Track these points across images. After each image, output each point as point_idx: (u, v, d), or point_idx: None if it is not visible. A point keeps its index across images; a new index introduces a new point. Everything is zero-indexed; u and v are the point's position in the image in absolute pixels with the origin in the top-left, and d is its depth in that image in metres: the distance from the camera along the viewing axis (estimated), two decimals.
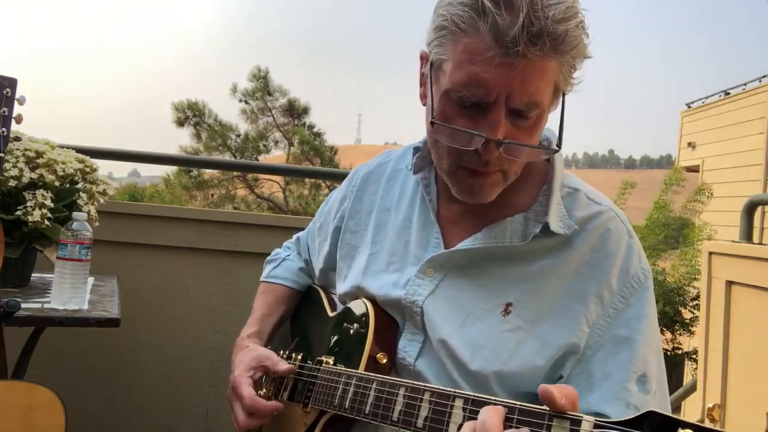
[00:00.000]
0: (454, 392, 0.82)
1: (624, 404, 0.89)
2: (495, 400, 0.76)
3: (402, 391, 0.89)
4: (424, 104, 0.98)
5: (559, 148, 0.94)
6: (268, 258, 1.40)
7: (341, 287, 1.15)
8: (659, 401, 0.93)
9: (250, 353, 1.16)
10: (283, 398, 1.14)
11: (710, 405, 0.63)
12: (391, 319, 1.04)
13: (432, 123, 0.91)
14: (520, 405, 0.73)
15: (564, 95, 0.92)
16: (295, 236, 1.44)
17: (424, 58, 0.96)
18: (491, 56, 0.82)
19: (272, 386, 1.18)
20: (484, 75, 0.84)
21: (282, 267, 1.35)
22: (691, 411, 4.09)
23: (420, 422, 0.84)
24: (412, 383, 0.88)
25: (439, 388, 0.84)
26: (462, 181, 0.95)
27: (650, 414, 0.63)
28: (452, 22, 0.85)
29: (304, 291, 1.34)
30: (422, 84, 0.99)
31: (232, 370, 1.17)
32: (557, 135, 0.95)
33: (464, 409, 0.79)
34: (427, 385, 0.86)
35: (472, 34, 0.84)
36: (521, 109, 0.87)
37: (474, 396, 0.79)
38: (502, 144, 0.88)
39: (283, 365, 1.13)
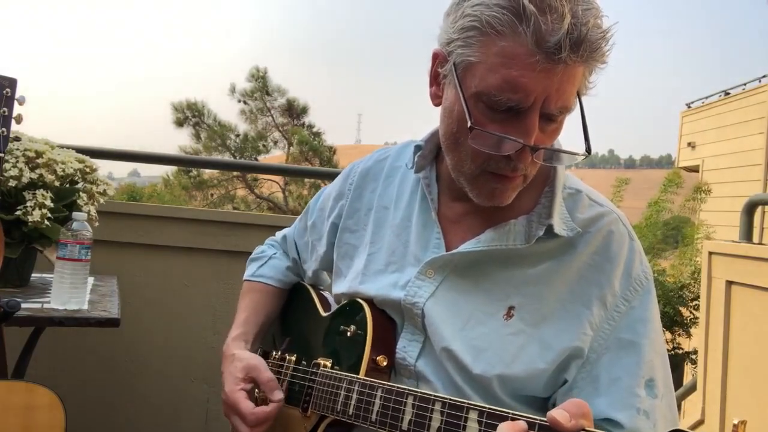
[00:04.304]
0: (468, 404, 0.80)
1: (634, 410, 0.88)
2: (512, 413, 0.75)
3: (410, 400, 0.87)
4: (436, 104, 0.97)
5: (589, 153, 0.92)
6: (252, 256, 1.36)
7: (339, 287, 1.13)
8: (667, 404, 0.92)
9: (238, 364, 1.12)
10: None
11: (735, 421, 0.62)
12: (389, 319, 1.03)
13: (471, 128, 0.87)
14: (540, 420, 0.71)
15: (581, 99, 0.91)
16: (280, 233, 1.39)
17: (439, 57, 0.93)
18: (534, 61, 0.81)
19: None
20: (522, 79, 0.83)
21: (268, 266, 1.31)
22: (691, 411, 4.09)
23: None
24: (421, 392, 0.87)
25: (450, 399, 0.82)
26: (485, 185, 0.93)
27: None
28: (486, 23, 0.83)
29: (291, 288, 1.31)
30: (434, 84, 0.97)
31: (222, 382, 1.13)
32: (584, 139, 0.93)
33: (480, 422, 0.77)
34: (436, 394, 0.85)
35: (509, 37, 0.82)
36: (553, 113, 0.86)
37: (489, 408, 0.77)
38: (537, 149, 0.87)
39: (272, 389, 1.08)
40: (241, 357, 1.14)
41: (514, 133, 0.86)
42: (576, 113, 0.92)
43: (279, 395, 1.08)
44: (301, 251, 1.31)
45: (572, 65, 0.82)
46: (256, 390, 1.13)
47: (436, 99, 0.97)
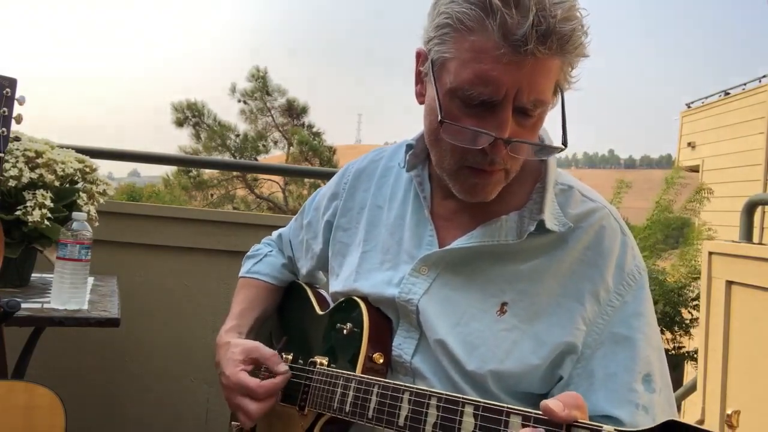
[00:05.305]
0: (463, 398, 0.81)
1: (633, 406, 0.89)
2: (507, 407, 0.76)
3: (407, 396, 0.87)
4: (421, 102, 0.98)
5: (565, 146, 0.93)
6: (248, 254, 1.36)
7: (334, 286, 1.14)
8: (665, 398, 0.93)
9: (235, 347, 1.12)
10: (276, 400, 1.12)
11: (729, 411, 0.63)
12: (385, 317, 1.03)
13: (441, 122, 0.89)
14: (535, 414, 0.72)
15: (563, 93, 0.92)
16: (276, 233, 1.39)
17: (421, 55, 0.95)
18: (500, 54, 0.82)
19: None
20: (492, 73, 0.84)
21: (264, 263, 1.32)
22: (691, 411, 4.09)
23: (428, 428, 0.83)
24: (416, 388, 0.88)
25: (445, 394, 0.83)
26: (465, 180, 0.95)
27: (670, 423, 0.63)
28: (457, 20, 0.85)
29: (287, 287, 1.32)
30: (418, 82, 0.98)
31: (220, 371, 1.13)
32: (562, 132, 0.94)
33: (476, 416, 0.78)
34: (432, 390, 0.85)
35: (479, 32, 0.84)
36: (527, 107, 0.87)
37: (485, 403, 0.78)
38: (510, 143, 0.87)
39: (276, 362, 1.09)
40: (237, 342, 1.14)
41: (489, 127, 0.87)
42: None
43: (284, 367, 1.08)
44: (295, 250, 1.32)
45: (543, 58, 0.83)
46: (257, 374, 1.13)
47: (420, 97, 0.98)
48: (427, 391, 0.85)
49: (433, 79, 0.91)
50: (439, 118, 0.89)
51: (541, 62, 0.83)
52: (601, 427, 0.67)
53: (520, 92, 0.85)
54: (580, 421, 0.69)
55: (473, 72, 0.85)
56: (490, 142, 0.87)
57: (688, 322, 7.05)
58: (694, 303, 6.93)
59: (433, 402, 0.83)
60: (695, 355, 6.06)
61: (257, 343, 1.12)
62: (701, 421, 2.92)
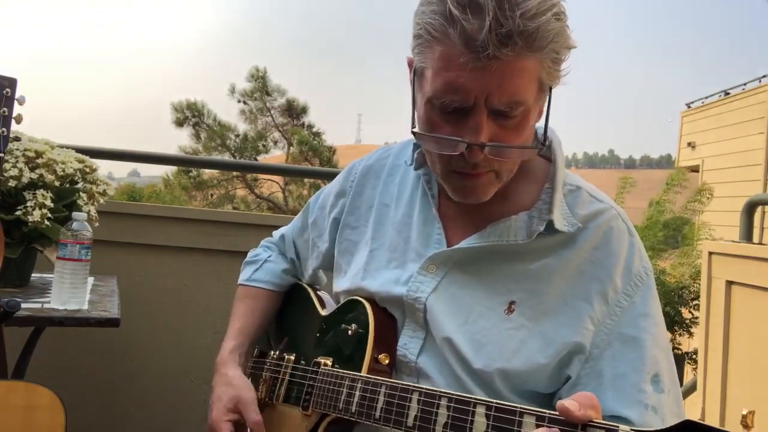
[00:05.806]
0: (475, 399, 0.81)
1: (642, 406, 0.89)
2: (520, 407, 0.76)
3: (416, 396, 0.87)
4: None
5: (544, 144, 0.94)
6: (247, 259, 1.35)
7: (341, 284, 1.13)
8: (674, 398, 0.93)
9: (230, 390, 1.14)
10: (278, 400, 1.13)
11: (744, 412, 0.63)
12: (390, 317, 1.03)
13: (413, 132, 0.92)
14: (550, 414, 0.72)
15: (551, 89, 0.91)
16: (277, 233, 1.37)
17: (410, 65, 0.96)
18: (464, 62, 0.82)
19: (264, 388, 1.17)
20: (459, 80, 0.84)
21: (263, 269, 1.30)
22: (691, 411, 4.09)
23: (439, 429, 0.83)
24: (426, 388, 0.87)
25: (455, 394, 0.83)
26: (455, 183, 0.95)
27: (687, 423, 0.64)
28: (426, 30, 0.86)
29: (288, 288, 1.31)
30: (413, 89, 0.99)
31: (211, 402, 1.15)
32: (544, 130, 0.94)
33: (488, 416, 0.78)
34: (442, 390, 0.85)
35: (444, 42, 0.84)
36: (503, 109, 0.87)
37: (497, 403, 0.78)
38: (486, 146, 0.88)
39: (251, 411, 1.11)
40: (232, 382, 1.16)
41: (464, 133, 0.87)
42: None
43: (255, 417, 1.10)
44: (300, 250, 1.31)
45: (509, 59, 0.82)
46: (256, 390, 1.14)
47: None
48: (436, 391, 0.85)
49: (413, 88, 0.93)
50: (411, 128, 0.91)
51: (510, 64, 0.83)
52: (617, 427, 0.68)
53: (491, 96, 0.85)
54: (595, 421, 0.69)
55: (443, 80, 0.86)
56: (465, 148, 0.88)
57: (688, 321, 7.05)
58: (695, 303, 6.93)
59: (444, 402, 0.83)
60: (695, 356, 6.05)
61: (249, 398, 1.13)
62: (701, 419, 2.91)
